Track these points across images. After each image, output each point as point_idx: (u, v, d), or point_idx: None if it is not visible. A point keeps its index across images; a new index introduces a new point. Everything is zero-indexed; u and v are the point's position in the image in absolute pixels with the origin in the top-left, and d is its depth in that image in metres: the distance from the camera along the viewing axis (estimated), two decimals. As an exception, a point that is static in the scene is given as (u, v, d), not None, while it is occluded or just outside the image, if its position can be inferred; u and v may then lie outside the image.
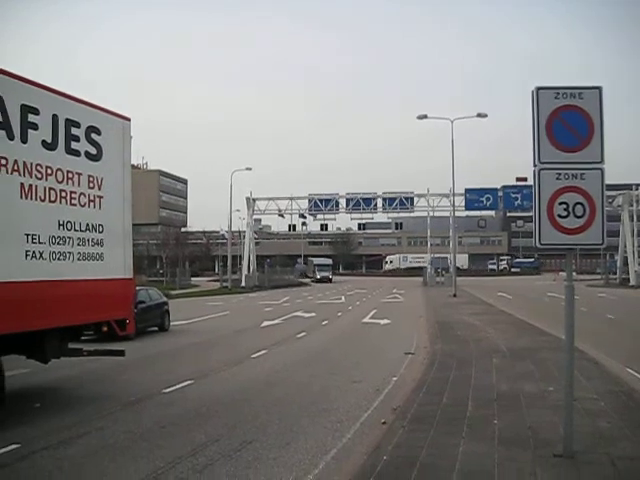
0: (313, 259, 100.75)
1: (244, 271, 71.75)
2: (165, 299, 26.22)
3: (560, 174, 7.39)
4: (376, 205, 72.72)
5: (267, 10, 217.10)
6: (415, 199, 71.98)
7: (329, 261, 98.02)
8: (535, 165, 7.47)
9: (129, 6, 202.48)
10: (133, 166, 22.24)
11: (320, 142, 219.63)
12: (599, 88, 7.49)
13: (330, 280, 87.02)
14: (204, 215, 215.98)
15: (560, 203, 7.36)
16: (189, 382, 13.05)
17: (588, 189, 7.37)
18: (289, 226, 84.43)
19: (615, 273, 73.96)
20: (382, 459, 7.55)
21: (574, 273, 8.30)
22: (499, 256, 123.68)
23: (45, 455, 8.17)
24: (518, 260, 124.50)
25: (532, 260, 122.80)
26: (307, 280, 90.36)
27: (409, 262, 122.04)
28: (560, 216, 7.36)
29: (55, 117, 10.56)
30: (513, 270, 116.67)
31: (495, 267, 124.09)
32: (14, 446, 8.45)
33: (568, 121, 7.37)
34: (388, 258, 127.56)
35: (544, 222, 7.39)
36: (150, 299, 23.66)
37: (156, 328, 23.72)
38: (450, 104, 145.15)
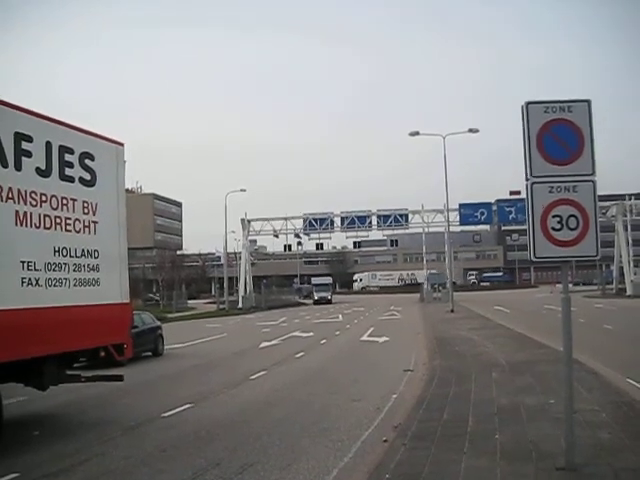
0: (312, 279, 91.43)
1: (241, 292, 71.64)
2: (158, 323, 25.84)
3: (552, 187, 7.44)
4: (371, 223, 72.83)
5: (259, 27, 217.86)
6: (410, 215, 72.10)
7: (328, 280, 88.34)
8: (527, 179, 7.52)
9: (124, 27, 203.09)
10: (127, 190, 22.24)
11: (313, 161, 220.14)
12: (588, 101, 7.56)
13: (330, 301, 78.26)
14: (199, 238, 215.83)
15: (554, 216, 7.40)
16: (188, 405, 13.01)
17: (581, 201, 7.42)
18: (284, 246, 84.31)
19: (612, 283, 74.08)
20: (384, 477, 7.53)
21: (570, 285, 8.32)
22: (468, 271, 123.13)
23: (45, 483, 8.13)
24: (487, 274, 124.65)
25: (501, 274, 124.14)
26: (305, 300, 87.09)
27: (378, 280, 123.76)
28: (554, 229, 7.39)
29: (49, 144, 10.61)
30: (482, 284, 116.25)
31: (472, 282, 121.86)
32: (13, 475, 8.41)
33: (558, 135, 7.43)
34: (357, 276, 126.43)
35: (538, 235, 7.42)
36: (143, 323, 23.27)
37: (150, 353, 23.38)
38: (444, 121, 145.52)
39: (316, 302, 77.55)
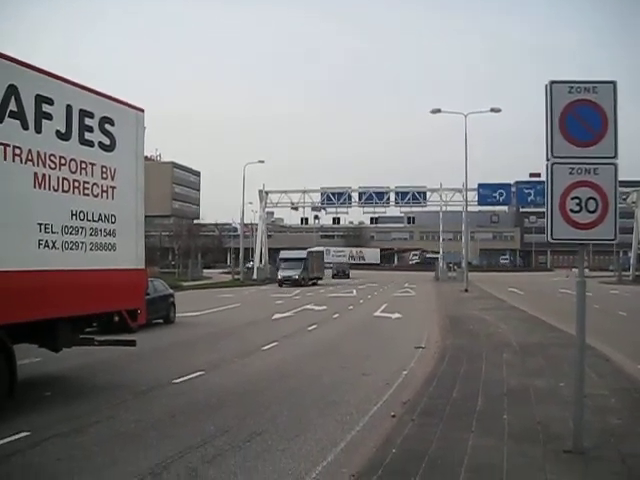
0: (281, 252, 67.27)
1: (256, 264, 71.89)
2: (171, 291, 25.95)
3: (573, 169, 7.36)
4: (389, 199, 72.73)
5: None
6: (428, 194, 71.93)
7: (302, 254, 63.59)
8: (548, 159, 7.44)
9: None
10: (146, 158, 22.25)
11: (334, 136, 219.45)
12: (613, 82, 7.44)
13: (300, 283, 58.31)
14: (217, 208, 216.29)
15: (573, 198, 7.32)
16: (200, 373, 13.10)
17: (601, 184, 7.33)
18: (301, 219, 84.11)
19: (628, 270, 73.60)
20: (391, 452, 7.56)
21: (586, 270, 8.26)
22: (417, 252, 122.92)
23: (56, 443, 8.23)
24: (430, 256, 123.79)
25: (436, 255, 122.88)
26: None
27: (332, 256, 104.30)
28: (572, 211, 7.33)
29: (69, 107, 10.60)
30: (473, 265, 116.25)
31: (507, 262, 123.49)
32: (25, 433, 8.51)
33: (582, 115, 7.33)
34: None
35: (556, 217, 7.35)
36: (155, 291, 23.23)
37: (161, 320, 23.49)
38: (464, 98, 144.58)
39: (281, 283, 58.47)
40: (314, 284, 61.11)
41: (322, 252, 74.19)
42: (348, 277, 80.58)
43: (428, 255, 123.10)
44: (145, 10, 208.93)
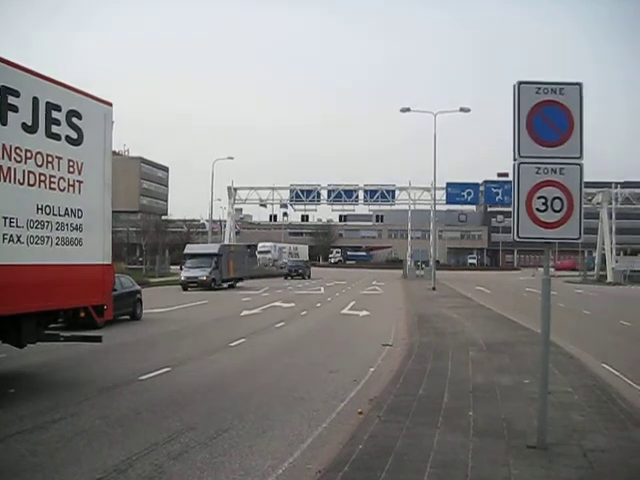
0: (188, 245, 56.05)
1: (224, 260, 71.48)
2: (137, 287, 25.70)
3: (539, 168, 7.46)
4: (357, 197, 72.96)
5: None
6: (397, 192, 72.30)
7: (213, 249, 49.75)
8: (515, 159, 7.54)
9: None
10: (114, 153, 22.00)
11: (303, 133, 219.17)
12: (579, 84, 7.57)
13: (209, 285, 44.54)
14: (185, 204, 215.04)
15: (539, 197, 7.43)
16: (166, 369, 13.02)
17: (567, 184, 7.45)
18: (270, 216, 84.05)
19: (593, 270, 74.71)
20: (357, 448, 7.59)
21: (552, 269, 8.37)
22: (333, 249, 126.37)
23: (19, 439, 8.14)
24: (351, 253, 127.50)
25: (364, 254, 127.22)
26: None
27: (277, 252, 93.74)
28: (538, 210, 7.43)
29: (36, 100, 10.48)
30: (348, 262, 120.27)
31: (475, 261, 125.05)
32: (-13, 431, 8.41)
33: (548, 116, 7.44)
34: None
35: (523, 215, 7.45)
36: (122, 287, 22.94)
37: (127, 317, 23.23)
38: (433, 97, 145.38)
39: (185, 286, 44.33)
40: (231, 287, 47.76)
41: (244, 247, 59.37)
42: (304, 277, 67.82)
43: (351, 253, 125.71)
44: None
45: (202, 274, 44.68)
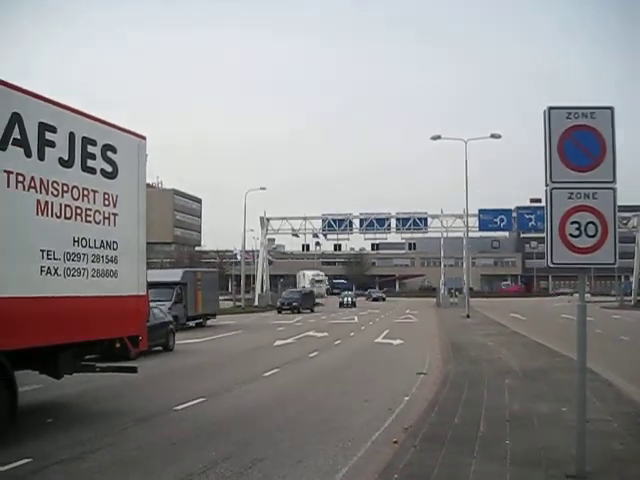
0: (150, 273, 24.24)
1: (257, 290, 71.79)
2: (170, 318, 26.06)
3: (572, 193, 7.41)
4: (389, 225, 72.72)
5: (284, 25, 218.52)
6: (429, 219, 72.03)
7: (175, 276, 36.77)
8: (547, 185, 7.49)
9: (151, 24, 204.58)
10: (148, 185, 22.12)
11: (334, 162, 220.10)
12: (611, 108, 7.52)
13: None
14: (218, 235, 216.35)
15: (572, 222, 7.37)
16: (201, 399, 13.06)
17: (600, 208, 7.38)
18: (302, 246, 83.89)
19: (630, 295, 73.45)
20: (393, 478, 7.52)
21: (588, 295, 8.29)
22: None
23: (57, 470, 8.20)
24: (336, 281, 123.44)
25: (345, 282, 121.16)
26: (321, 300, 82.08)
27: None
28: (572, 235, 7.36)
29: (72, 135, 10.71)
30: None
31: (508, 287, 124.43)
32: (26, 460, 8.48)
33: (580, 141, 7.40)
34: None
35: (556, 241, 7.39)
36: (154, 318, 23.16)
37: (160, 348, 23.45)
38: (463, 123, 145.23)
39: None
40: (199, 325, 37.96)
41: (215, 274, 47.51)
42: (299, 312, 56.26)
43: (336, 281, 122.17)
44: (157, 32, 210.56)
45: None
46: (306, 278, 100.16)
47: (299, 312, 55.75)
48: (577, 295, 7.85)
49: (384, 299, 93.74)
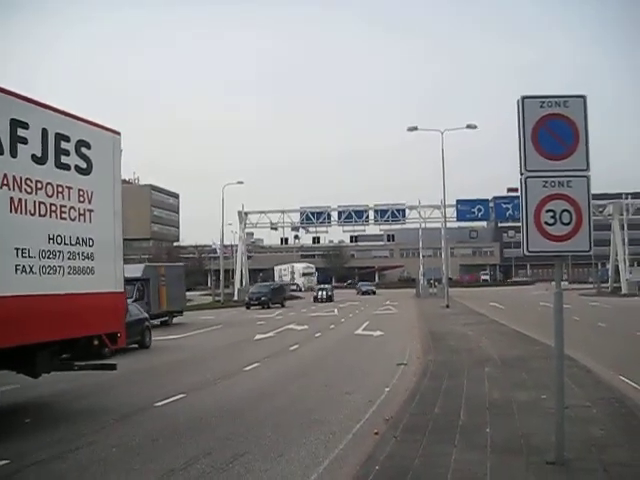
0: None
1: (237, 285, 71.74)
2: (146, 315, 25.83)
3: (547, 182, 7.45)
4: (368, 217, 72.83)
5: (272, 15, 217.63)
6: (407, 211, 72.27)
7: (135, 271, 32.81)
8: (522, 173, 7.53)
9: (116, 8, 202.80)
10: (124, 181, 22.02)
11: (311, 153, 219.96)
12: (583, 97, 7.56)
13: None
14: (196, 229, 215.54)
15: (547, 211, 7.41)
16: (181, 395, 13.01)
17: (575, 196, 7.42)
18: (281, 239, 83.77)
19: (607, 282, 74.23)
20: (374, 469, 7.53)
21: (566, 282, 8.35)
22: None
23: (36, 470, 8.13)
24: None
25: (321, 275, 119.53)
26: (300, 293, 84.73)
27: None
28: (547, 223, 7.40)
29: (45, 131, 10.58)
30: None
31: (487, 277, 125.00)
32: (4, 462, 8.40)
33: (554, 129, 7.44)
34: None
35: (531, 230, 7.43)
36: (129, 315, 22.93)
37: (136, 345, 23.16)
38: (440, 114, 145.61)
39: None
40: (164, 323, 35.56)
41: (180, 268, 44.08)
42: (268, 307, 53.55)
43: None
44: (127, 22, 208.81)
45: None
46: (296, 271, 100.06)
47: (269, 307, 53.17)
48: (554, 283, 7.90)
49: (374, 292, 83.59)
